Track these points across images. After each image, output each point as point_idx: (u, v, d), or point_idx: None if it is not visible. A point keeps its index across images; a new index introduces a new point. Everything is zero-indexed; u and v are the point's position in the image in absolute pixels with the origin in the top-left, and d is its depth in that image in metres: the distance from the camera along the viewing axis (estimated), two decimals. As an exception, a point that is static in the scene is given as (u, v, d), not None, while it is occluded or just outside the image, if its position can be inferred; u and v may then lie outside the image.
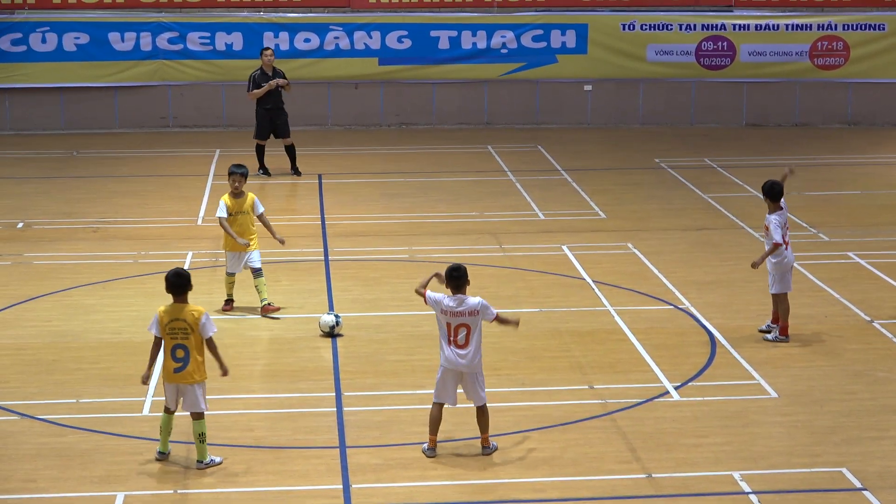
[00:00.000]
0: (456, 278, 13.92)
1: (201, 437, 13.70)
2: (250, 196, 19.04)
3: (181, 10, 32.54)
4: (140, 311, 18.97)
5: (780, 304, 17.88)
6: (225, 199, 18.79)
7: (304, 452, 14.13)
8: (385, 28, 32.87)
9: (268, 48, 28.71)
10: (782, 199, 17.74)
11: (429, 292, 13.97)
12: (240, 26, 32.57)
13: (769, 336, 17.91)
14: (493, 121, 33.42)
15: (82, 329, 18.33)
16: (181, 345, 13.55)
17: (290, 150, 28.06)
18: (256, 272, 18.74)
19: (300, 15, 32.75)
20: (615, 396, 15.77)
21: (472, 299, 13.89)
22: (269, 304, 18.70)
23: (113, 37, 32.28)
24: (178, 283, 13.80)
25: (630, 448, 14.32)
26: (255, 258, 18.78)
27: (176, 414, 13.73)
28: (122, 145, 31.07)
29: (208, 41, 32.52)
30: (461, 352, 13.82)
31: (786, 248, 17.74)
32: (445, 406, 13.98)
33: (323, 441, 14.49)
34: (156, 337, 13.72)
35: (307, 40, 32.29)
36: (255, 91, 27.78)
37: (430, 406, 14.01)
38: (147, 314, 18.66)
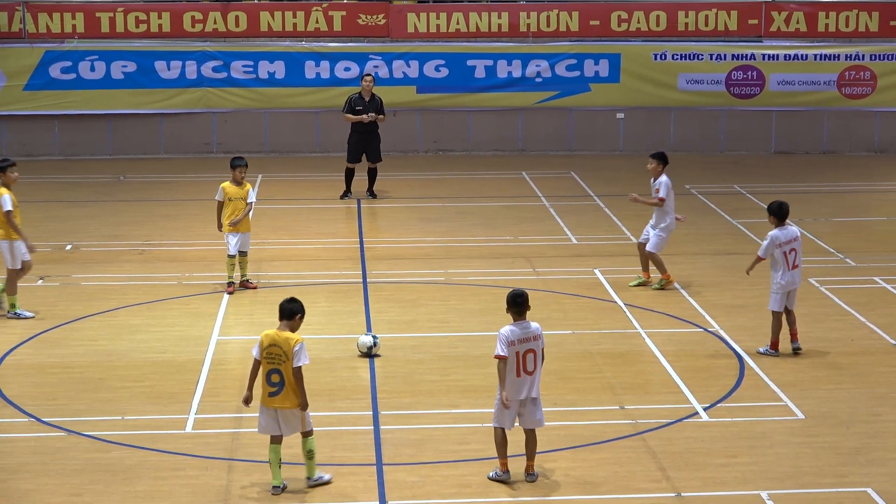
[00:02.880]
0: (520, 304, 13.72)
1: (310, 455, 13.62)
2: (248, 185, 21.05)
3: (225, 39, 32.69)
4: (183, 332, 19.05)
5: (788, 320, 18.08)
6: (225, 186, 20.83)
7: (341, 469, 14.14)
8: (423, 57, 32.97)
9: (368, 74, 28.65)
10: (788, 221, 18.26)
11: (499, 345, 13.57)
12: (282, 55, 32.70)
13: (760, 349, 18.11)
14: (527, 147, 33.46)
15: (127, 348, 18.40)
16: (277, 370, 13.40)
17: (373, 174, 28.10)
18: (244, 254, 20.94)
19: (341, 44, 32.87)
20: (645, 417, 15.75)
21: (534, 324, 13.83)
22: (248, 280, 21.04)
23: (159, 65, 32.46)
24: (289, 308, 13.57)
25: (660, 467, 14.30)
26: (247, 242, 20.99)
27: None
28: (166, 170, 31.21)
29: (251, 69, 32.66)
30: (530, 378, 13.72)
31: (789, 270, 17.83)
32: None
33: (360, 458, 14.50)
34: (255, 360, 13.58)
35: (347, 69, 32.40)
36: (348, 115, 27.82)
37: (486, 428, 13.92)
38: (190, 335, 18.88)
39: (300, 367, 13.35)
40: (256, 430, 13.80)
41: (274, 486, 13.60)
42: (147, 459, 14.45)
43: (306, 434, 13.65)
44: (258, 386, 13.57)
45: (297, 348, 13.33)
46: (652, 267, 21.20)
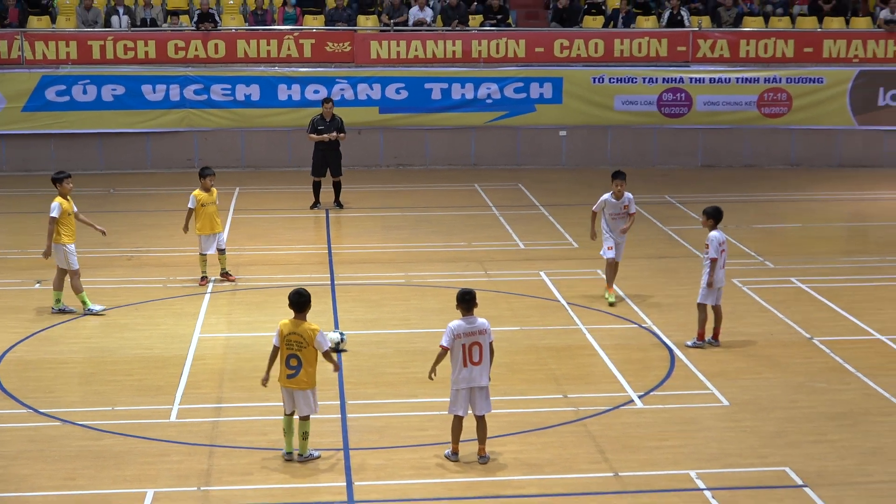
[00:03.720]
0: (467, 301, 13.90)
1: (304, 435, 13.88)
2: (215, 191, 21.74)
3: (206, 65, 32.57)
4: (168, 330, 18.98)
5: (700, 312, 18.15)
6: (196, 193, 21.46)
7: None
8: (384, 81, 32.94)
9: (329, 99, 28.62)
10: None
11: (444, 336, 13.79)
12: (257, 79, 32.61)
13: (688, 342, 18.18)
14: (479, 162, 33.48)
15: (118, 345, 18.31)
16: (295, 355, 13.71)
17: (337, 186, 28.10)
18: (222, 251, 21.56)
19: (310, 69, 32.80)
20: (586, 404, 15.78)
21: (481, 319, 13.93)
22: (228, 272, 21.57)
23: (145, 88, 32.32)
24: (300, 301, 13.89)
25: (599, 450, 14.33)
26: (223, 240, 21.65)
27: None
28: (152, 184, 31.08)
29: (229, 92, 32.56)
30: (477, 368, 13.79)
31: (720, 268, 17.96)
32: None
33: (329, 444, 14.48)
34: (275, 346, 13.86)
35: (316, 91, 32.32)
36: (312, 135, 27.85)
37: (442, 415, 13.95)
38: (175, 332, 18.80)
39: (327, 350, 13.79)
40: (283, 408, 14.01)
41: (285, 454, 13.98)
42: (135, 446, 14.41)
43: (304, 417, 13.87)
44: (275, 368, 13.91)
45: (318, 337, 13.74)
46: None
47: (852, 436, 14.84)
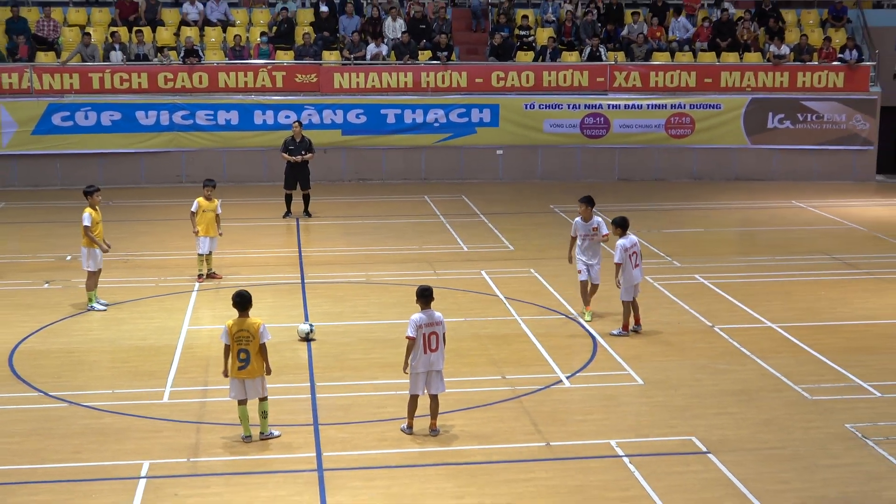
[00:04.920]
0: (426, 296, 13.89)
1: (264, 415, 13.74)
2: (216, 201, 21.77)
3: (191, 94, 32.37)
4: (160, 323, 18.85)
5: (624, 307, 18.21)
6: (199, 201, 21.59)
7: (286, 428, 14.07)
8: (346, 107, 32.85)
9: (298, 122, 28.66)
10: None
11: (409, 328, 13.73)
12: (236, 106, 32.44)
13: (614, 331, 18.16)
14: (428, 177, 33.45)
15: (116, 336, 18.18)
16: (244, 349, 13.52)
17: (306, 198, 27.99)
18: (210, 253, 21.59)
19: (282, 98, 32.67)
20: (522, 384, 15.81)
21: (437, 313, 13.93)
22: (214, 272, 21.65)
23: (139, 114, 32.08)
24: (242, 301, 13.69)
25: (533, 423, 14.36)
26: (215, 245, 21.75)
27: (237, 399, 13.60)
28: (145, 197, 30.85)
29: (212, 117, 32.38)
30: (434, 354, 13.78)
31: (633, 269, 18.00)
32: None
33: (301, 420, 14.44)
34: (225, 345, 13.67)
35: (287, 116, 32.16)
36: (284, 154, 27.79)
37: (399, 395, 13.93)
38: (166, 325, 18.67)
39: (265, 343, 13.57)
40: (228, 397, 13.85)
41: (244, 436, 13.74)
42: (132, 424, 14.31)
43: (262, 399, 13.69)
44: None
45: (261, 329, 13.55)
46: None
47: (748, 409, 14.94)
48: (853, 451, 13.54)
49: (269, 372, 13.76)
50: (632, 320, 18.26)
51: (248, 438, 13.70)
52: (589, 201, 18.96)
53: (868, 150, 34.12)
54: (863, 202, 30.84)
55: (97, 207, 19.83)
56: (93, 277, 19.78)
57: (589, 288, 19.03)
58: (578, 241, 18.99)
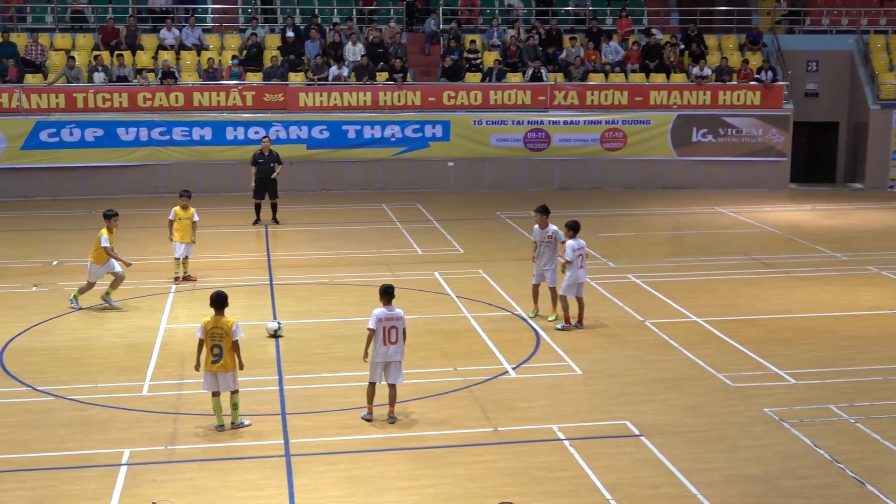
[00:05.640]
0: (388, 293, 13.89)
1: (235, 406, 13.61)
2: (192, 210, 21.58)
3: (168, 112, 32.09)
4: (140, 322, 18.65)
5: (562, 302, 18.17)
6: (176, 209, 21.43)
7: (256, 418, 13.93)
8: (311, 124, 32.70)
9: (266, 137, 28.58)
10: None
11: (371, 320, 13.69)
12: (210, 122, 32.21)
13: (558, 326, 18.14)
14: (386, 187, 33.35)
15: (99, 335, 17.95)
16: (218, 344, 13.42)
17: (274, 207, 27.81)
18: (187, 258, 21.50)
19: (251, 115, 32.46)
20: (471, 375, 15.76)
21: (398, 309, 13.91)
22: (189, 275, 21.41)
23: (120, 131, 31.80)
24: (219, 300, 13.58)
25: (482, 410, 14.31)
26: (191, 250, 21.58)
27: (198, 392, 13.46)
28: (127, 206, 30.42)
29: (188, 133, 32.13)
30: (393, 347, 13.74)
31: (579, 269, 18.00)
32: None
33: (269, 410, 14.31)
34: (199, 339, 13.51)
35: (256, 132, 31.97)
36: (253, 168, 27.59)
37: (360, 386, 13.83)
38: (145, 324, 18.46)
39: (238, 340, 13.46)
40: (202, 389, 13.70)
41: (217, 426, 13.59)
42: (115, 415, 14.12)
43: (234, 392, 13.56)
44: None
45: (234, 327, 13.45)
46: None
47: (677, 396, 14.97)
48: (771, 433, 13.59)
49: (241, 367, 13.63)
50: (573, 317, 18.25)
51: (220, 428, 13.56)
52: (544, 210, 18.77)
53: (782, 161, 34.38)
54: (777, 208, 31.07)
55: (113, 230, 19.69)
56: (90, 286, 19.69)
57: (548, 290, 18.82)
58: (538, 246, 18.85)
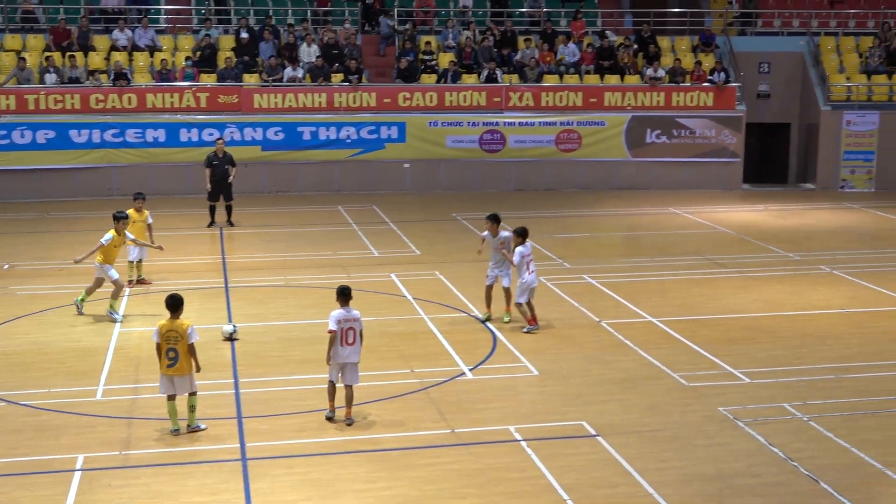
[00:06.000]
0: (345, 295, 13.90)
1: (192, 409, 13.51)
2: (146, 212, 21.52)
3: (121, 113, 31.82)
4: (94, 326, 18.47)
5: (520, 309, 18.22)
6: (130, 212, 20.77)
7: (212, 422, 13.84)
8: (265, 125, 32.57)
9: (220, 139, 28.45)
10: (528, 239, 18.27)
11: (330, 322, 13.69)
12: (163, 124, 31.99)
13: (525, 329, 18.15)
14: (341, 189, 33.26)
15: (52, 339, 17.75)
16: (173, 348, 13.34)
17: (229, 209, 27.66)
18: (140, 261, 21.38)
19: (206, 116, 32.27)
20: (429, 377, 15.75)
21: (355, 311, 13.90)
22: (143, 278, 21.27)
23: (72, 133, 31.50)
24: (174, 303, 13.54)
25: (440, 412, 14.31)
26: (145, 253, 21.38)
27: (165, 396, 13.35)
28: (80, 209, 30.23)
29: (141, 135, 31.89)
30: (350, 348, 13.72)
31: (530, 273, 18.03)
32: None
33: (225, 413, 14.22)
34: (157, 343, 13.45)
35: (211, 134, 31.78)
36: (207, 170, 27.38)
37: (316, 388, 13.77)
38: (99, 328, 18.26)
39: (193, 343, 13.39)
40: (158, 392, 13.63)
41: (172, 430, 13.49)
42: (68, 420, 13.97)
43: (192, 394, 13.49)
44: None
45: (190, 330, 13.39)
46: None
47: (633, 396, 15.05)
48: (726, 432, 13.70)
49: (198, 369, 13.57)
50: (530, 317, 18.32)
51: (176, 432, 13.45)
52: (494, 219, 18.71)
53: (735, 161, 34.68)
54: (730, 208, 31.34)
55: (122, 233, 19.46)
56: (95, 288, 19.33)
57: (502, 291, 18.75)
58: (491, 252, 18.77)
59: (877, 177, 34.84)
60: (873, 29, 37.26)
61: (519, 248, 18.08)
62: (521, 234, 18.25)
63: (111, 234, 19.23)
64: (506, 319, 18.68)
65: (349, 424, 13.79)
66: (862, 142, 34.77)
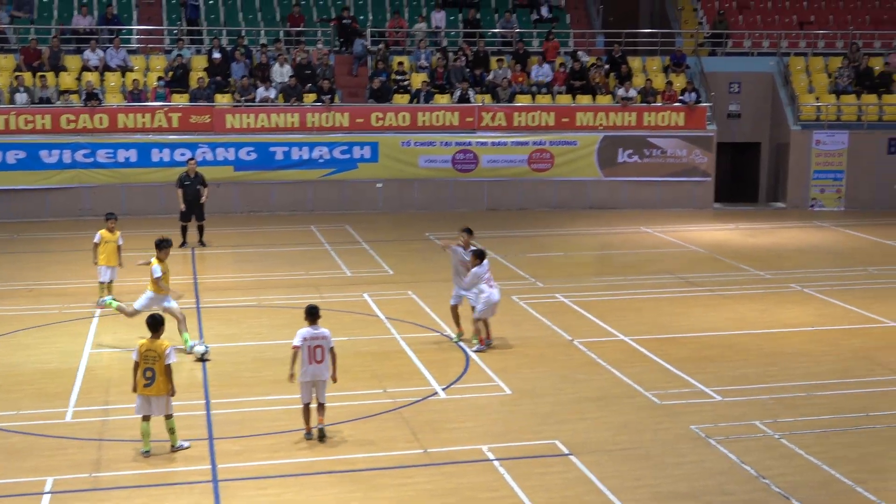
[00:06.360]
0: (313, 314, 14.00)
1: (172, 430, 13.45)
2: (118, 233, 21.27)
3: (92, 134, 31.70)
4: (64, 347, 18.32)
5: (476, 325, 18.29)
6: (102, 232, 21.01)
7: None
8: (238, 145, 32.51)
9: (192, 159, 28.33)
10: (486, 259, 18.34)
11: (295, 339, 13.83)
12: (135, 144, 31.88)
13: (474, 349, 18.14)
14: (315, 209, 33.22)
15: (22, 360, 17.60)
16: (151, 368, 13.31)
17: (201, 229, 27.56)
18: (111, 281, 21.09)
19: (178, 136, 32.19)
20: (402, 396, 15.72)
21: (324, 329, 13.98)
22: (114, 298, 19.39)
23: (43, 153, 31.34)
24: (154, 323, 13.57)
25: (412, 432, 14.28)
26: (115, 274, 21.16)
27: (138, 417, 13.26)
28: (50, 230, 30.05)
29: (112, 155, 31.77)
30: (319, 366, 13.78)
31: (489, 287, 18.02)
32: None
33: (197, 434, 14.12)
34: (135, 361, 13.40)
35: (183, 154, 31.70)
36: (178, 190, 27.25)
37: (290, 409, 13.72)
38: (69, 349, 18.14)
39: (170, 364, 13.37)
40: (134, 413, 13.55)
41: (143, 451, 13.41)
42: (37, 442, 13.85)
43: (168, 416, 13.47)
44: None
45: (168, 351, 13.37)
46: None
47: (606, 414, 15.07)
48: (698, 450, 13.74)
49: (172, 393, 13.46)
50: (484, 336, 18.36)
51: (147, 453, 13.35)
52: (469, 232, 18.89)
53: (706, 181, 34.89)
54: (702, 227, 31.50)
55: (165, 261, 18.20)
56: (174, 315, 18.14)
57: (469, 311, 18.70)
58: (456, 267, 18.72)
59: (846, 195, 35.14)
60: (842, 49, 37.63)
61: (475, 269, 18.13)
62: (479, 256, 18.29)
63: (157, 265, 17.96)
64: (474, 341, 18.41)
65: (322, 434, 13.81)
66: (831, 161, 35.06)
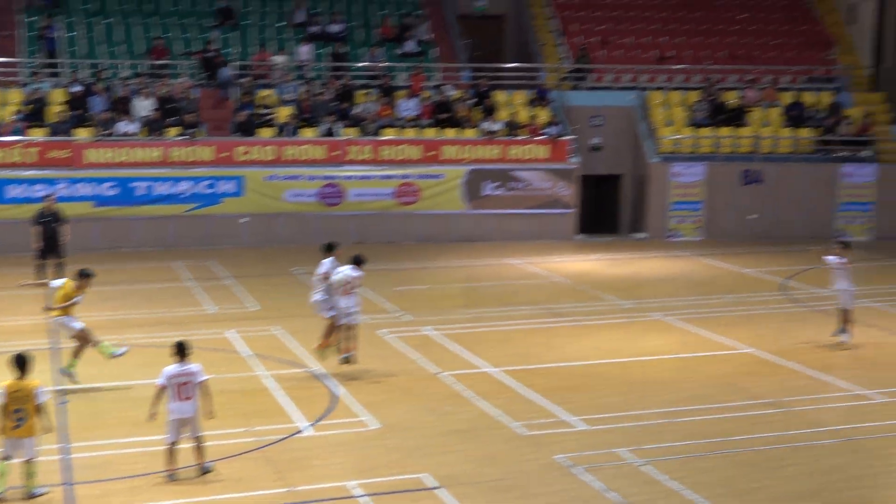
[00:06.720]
0: (180, 350, 13.99)
1: (32, 475, 13.15)
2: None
3: (-56, 169, 30.78)
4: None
5: (339, 329, 18.76)
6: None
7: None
8: (98, 180, 31.86)
9: (50, 195, 27.47)
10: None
11: (160, 377, 13.80)
12: (-10, 180, 31.06)
13: (340, 359, 18.70)
14: (178, 244, 32.68)
15: None
16: (21, 408, 12.99)
17: (60, 267, 26.72)
18: None
19: (36, 172, 31.39)
20: (267, 434, 15.58)
21: (193, 365, 13.94)
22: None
23: None
24: (21, 363, 13.27)
25: (277, 470, 14.16)
26: None
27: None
28: None
29: (-35, 191, 30.91)
30: (187, 403, 13.71)
31: (344, 298, 18.71)
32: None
33: (54, 480, 13.72)
34: (3, 404, 13.04)
35: (40, 189, 30.92)
36: (36, 227, 26.39)
37: (152, 451, 13.46)
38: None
39: (41, 403, 13.14)
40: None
41: None
42: None
43: (29, 461, 13.14)
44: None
45: (38, 390, 13.15)
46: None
47: (472, 446, 15.19)
48: (564, 479, 13.95)
49: (50, 430, 13.46)
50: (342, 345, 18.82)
51: (1, 494, 12.99)
52: (329, 248, 20.03)
53: (569, 212, 35.54)
54: (565, 258, 32.05)
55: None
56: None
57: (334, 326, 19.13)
58: (326, 288, 19.29)
59: (704, 225, 36.18)
60: (699, 84, 38.84)
61: (357, 274, 18.51)
62: (356, 262, 18.96)
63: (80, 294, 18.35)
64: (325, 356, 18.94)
65: (206, 471, 13.70)
66: (689, 192, 36.11)
